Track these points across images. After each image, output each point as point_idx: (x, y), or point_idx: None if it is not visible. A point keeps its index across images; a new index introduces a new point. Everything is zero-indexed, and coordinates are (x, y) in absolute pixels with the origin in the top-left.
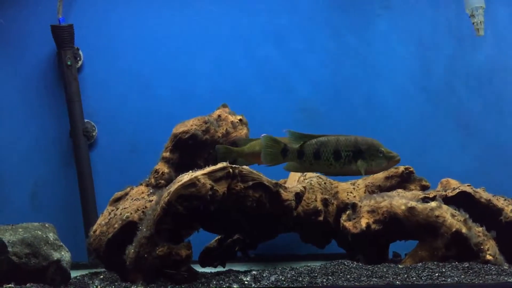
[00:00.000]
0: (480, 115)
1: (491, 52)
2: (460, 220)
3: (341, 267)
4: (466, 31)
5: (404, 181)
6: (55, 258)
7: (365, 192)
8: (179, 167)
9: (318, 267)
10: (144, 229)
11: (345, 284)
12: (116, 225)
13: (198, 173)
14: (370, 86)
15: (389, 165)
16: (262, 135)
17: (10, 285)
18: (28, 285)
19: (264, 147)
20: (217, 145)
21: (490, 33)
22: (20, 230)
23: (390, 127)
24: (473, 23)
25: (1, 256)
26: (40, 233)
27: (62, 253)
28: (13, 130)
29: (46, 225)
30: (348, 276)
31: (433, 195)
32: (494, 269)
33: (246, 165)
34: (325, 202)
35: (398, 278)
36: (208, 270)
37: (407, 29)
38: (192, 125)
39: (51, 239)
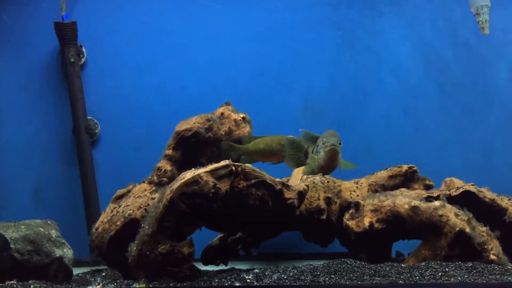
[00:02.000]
0: (486, 114)
1: (497, 50)
2: (464, 220)
3: (343, 266)
4: (471, 29)
5: (407, 180)
6: (57, 255)
7: (368, 191)
8: (181, 165)
9: (321, 266)
10: (147, 227)
11: (347, 283)
12: (118, 223)
13: (201, 170)
14: (374, 84)
15: (327, 155)
16: (287, 136)
17: (12, 281)
18: (30, 281)
19: (288, 151)
20: (222, 142)
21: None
22: (23, 227)
23: (394, 126)
24: (478, 22)
25: (3, 252)
26: (42, 230)
27: (65, 250)
28: (16, 127)
29: (49, 222)
30: (351, 275)
31: (436, 194)
32: (497, 269)
33: (250, 163)
34: (328, 201)
35: (401, 277)
36: (210, 268)
37: (412, 26)
38: (195, 123)
39: (54, 236)
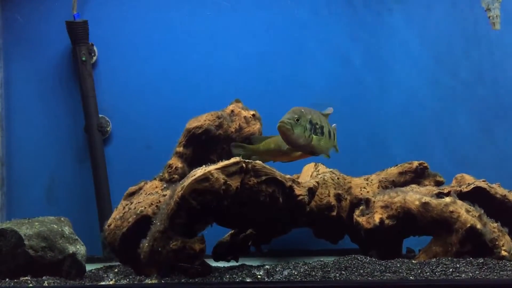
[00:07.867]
0: (495, 110)
1: (506, 47)
2: (475, 216)
3: (354, 262)
4: (481, 25)
5: (418, 176)
6: (71, 252)
7: (378, 188)
8: (192, 162)
9: (331, 262)
10: (158, 223)
11: (358, 279)
12: (130, 219)
13: (212, 167)
14: (383, 81)
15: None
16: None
17: (26, 277)
18: (44, 277)
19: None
20: (233, 143)
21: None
22: (36, 223)
23: (403, 122)
24: (489, 17)
25: (17, 249)
26: (55, 226)
27: (78, 246)
28: (28, 125)
29: (62, 219)
30: (362, 271)
31: (447, 191)
32: (509, 265)
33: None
34: (338, 197)
35: (412, 273)
36: (221, 264)
37: (419, 23)
38: (205, 120)
39: (67, 232)
